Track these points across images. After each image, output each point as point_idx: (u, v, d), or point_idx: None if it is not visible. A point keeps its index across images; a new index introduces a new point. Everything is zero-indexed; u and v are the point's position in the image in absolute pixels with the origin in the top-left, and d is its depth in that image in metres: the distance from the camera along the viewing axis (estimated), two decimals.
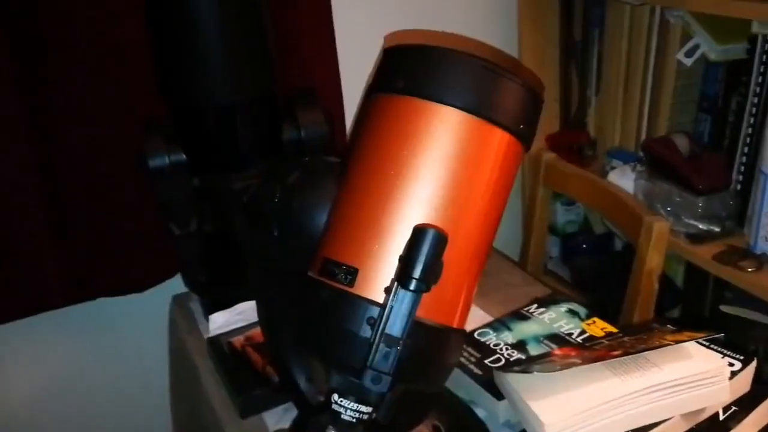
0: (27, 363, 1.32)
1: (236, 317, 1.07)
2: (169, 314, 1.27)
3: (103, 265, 1.23)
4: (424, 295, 0.56)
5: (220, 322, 1.07)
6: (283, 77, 1.05)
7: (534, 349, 0.92)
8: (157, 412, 1.38)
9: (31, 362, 1.33)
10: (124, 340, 1.38)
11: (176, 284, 1.25)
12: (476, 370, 0.88)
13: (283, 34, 1.16)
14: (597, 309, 1.00)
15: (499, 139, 0.62)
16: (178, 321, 1.20)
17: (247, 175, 1.02)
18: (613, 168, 1.42)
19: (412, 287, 0.55)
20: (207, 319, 1.09)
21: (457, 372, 0.88)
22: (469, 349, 0.92)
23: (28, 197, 1.13)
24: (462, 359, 0.90)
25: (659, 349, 0.78)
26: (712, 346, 0.83)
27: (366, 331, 0.57)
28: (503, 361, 0.89)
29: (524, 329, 0.96)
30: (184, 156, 1.00)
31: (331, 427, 0.60)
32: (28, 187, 1.13)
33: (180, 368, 1.21)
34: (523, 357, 0.90)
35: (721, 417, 0.78)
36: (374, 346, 0.56)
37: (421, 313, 0.56)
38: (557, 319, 0.98)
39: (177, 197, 1.02)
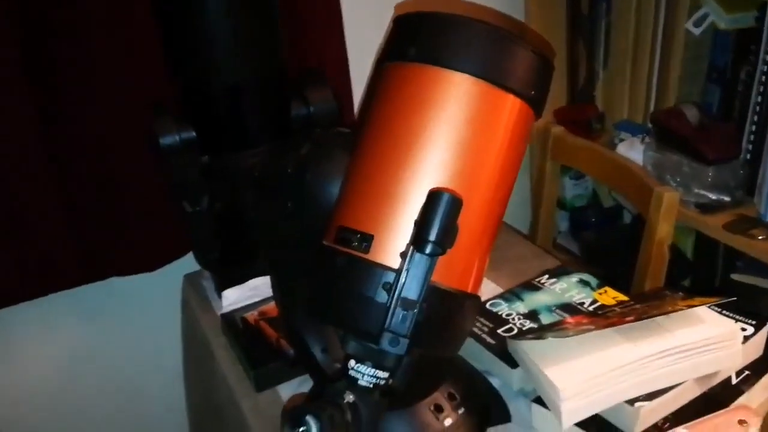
0: (39, 343, 1.33)
1: (249, 293, 1.08)
2: (182, 293, 1.28)
3: (115, 245, 1.24)
4: (439, 260, 0.56)
5: (233, 298, 1.08)
6: (291, 56, 1.05)
7: (546, 319, 0.92)
8: (171, 392, 1.40)
9: (43, 342, 1.34)
10: (136, 320, 1.39)
11: (188, 263, 1.26)
12: (489, 340, 0.89)
13: (290, 13, 1.16)
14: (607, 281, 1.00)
15: (511, 104, 0.62)
16: (190, 300, 1.21)
17: (256, 152, 1.03)
18: (621, 140, 1.42)
19: (427, 251, 0.55)
20: (220, 296, 1.10)
21: (470, 342, 0.89)
22: (482, 320, 0.93)
23: (40, 178, 1.14)
24: (475, 329, 0.91)
25: (671, 314, 0.78)
26: (724, 311, 0.83)
27: (382, 296, 0.57)
28: (516, 330, 0.90)
29: (536, 299, 0.97)
30: (194, 133, 1.01)
31: (348, 392, 0.60)
32: (40, 169, 1.13)
33: (193, 346, 1.22)
34: (536, 326, 0.91)
35: (734, 381, 0.78)
36: (391, 309, 0.56)
37: (435, 278, 0.57)
38: (569, 289, 0.98)
39: (188, 175, 1.03)
